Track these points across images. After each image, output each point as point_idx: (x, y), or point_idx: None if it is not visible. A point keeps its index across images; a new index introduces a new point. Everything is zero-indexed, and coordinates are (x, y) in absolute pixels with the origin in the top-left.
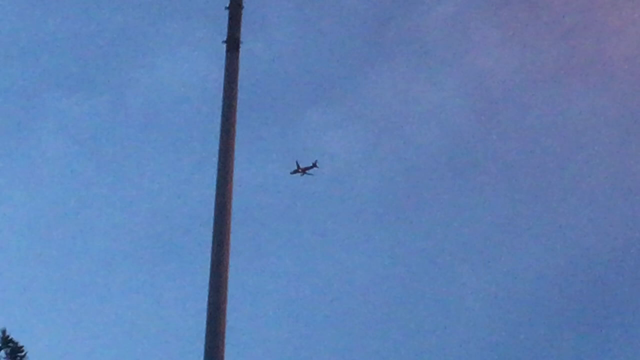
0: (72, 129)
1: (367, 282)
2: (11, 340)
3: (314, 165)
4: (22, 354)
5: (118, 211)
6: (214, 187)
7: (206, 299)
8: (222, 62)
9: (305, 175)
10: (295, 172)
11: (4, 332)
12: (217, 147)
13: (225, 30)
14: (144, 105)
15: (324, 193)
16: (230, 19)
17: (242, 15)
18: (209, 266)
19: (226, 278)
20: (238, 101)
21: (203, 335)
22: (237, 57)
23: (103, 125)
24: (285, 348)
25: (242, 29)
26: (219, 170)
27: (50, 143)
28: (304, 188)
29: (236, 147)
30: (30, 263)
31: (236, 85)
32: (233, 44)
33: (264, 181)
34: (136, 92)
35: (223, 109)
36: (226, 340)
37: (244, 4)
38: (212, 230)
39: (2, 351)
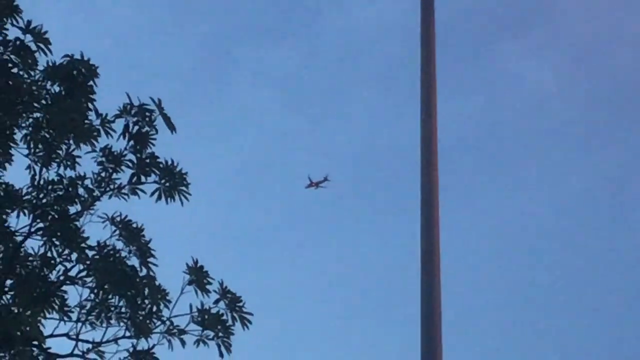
0: (268, 78)
1: (569, 212)
2: (229, 292)
3: (325, 179)
4: (241, 304)
5: (319, 152)
6: (418, 124)
7: (418, 241)
8: None
9: (318, 188)
10: (309, 186)
11: (221, 283)
12: (417, 85)
13: None
14: (338, 49)
15: (521, 124)
16: None
17: None
18: (418, 208)
19: (437, 218)
20: (435, 36)
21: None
22: None
23: (298, 72)
24: (496, 283)
25: None
26: (422, 107)
27: (248, 93)
28: (501, 118)
29: (437, 82)
30: (234, 213)
31: (432, 20)
32: None
33: (464, 114)
34: (329, 37)
35: (421, 45)
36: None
37: None
38: (419, 170)
39: (222, 302)
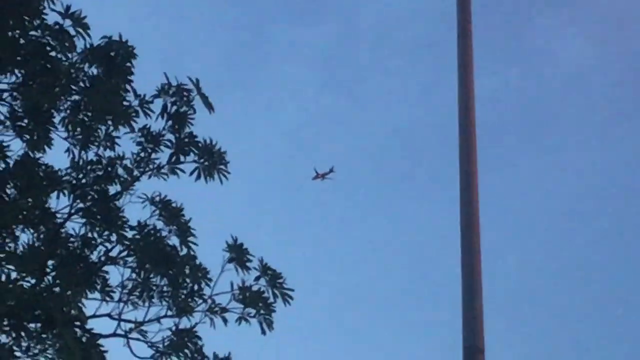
0: (305, 56)
1: (606, 187)
2: (269, 268)
3: (331, 170)
4: (281, 280)
5: (357, 130)
6: (455, 99)
7: (458, 214)
8: None
9: (325, 179)
10: (315, 178)
11: (261, 260)
12: (454, 61)
13: None
14: (375, 26)
15: (557, 97)
16: None
17: None
18: (457, 181)
19: (476, 192)
20: (472, 11)
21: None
22: None
23: (334, 49)
24: (536, 258)
25: None
26: (459, 80)
27: (286, 71)
28: (536, 92)
29: (474, 58)
30: (274, 191)
31: None
32: None
33: (499, 88)
34: (364, 14)
35: (458, 19)
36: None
37: None
38: (457, 143)
39: (262, 279)
